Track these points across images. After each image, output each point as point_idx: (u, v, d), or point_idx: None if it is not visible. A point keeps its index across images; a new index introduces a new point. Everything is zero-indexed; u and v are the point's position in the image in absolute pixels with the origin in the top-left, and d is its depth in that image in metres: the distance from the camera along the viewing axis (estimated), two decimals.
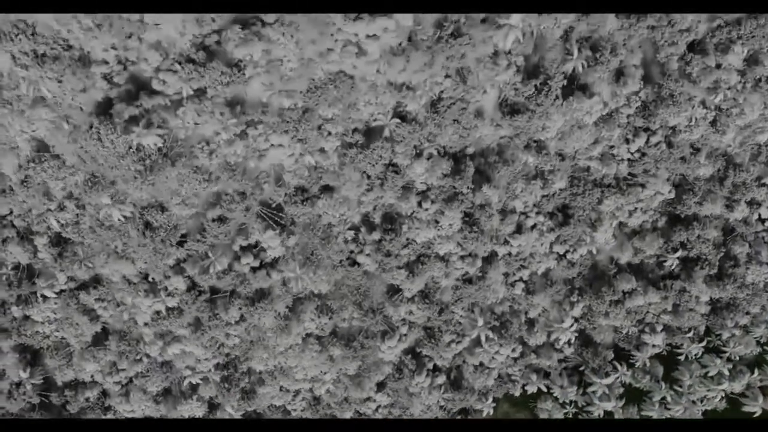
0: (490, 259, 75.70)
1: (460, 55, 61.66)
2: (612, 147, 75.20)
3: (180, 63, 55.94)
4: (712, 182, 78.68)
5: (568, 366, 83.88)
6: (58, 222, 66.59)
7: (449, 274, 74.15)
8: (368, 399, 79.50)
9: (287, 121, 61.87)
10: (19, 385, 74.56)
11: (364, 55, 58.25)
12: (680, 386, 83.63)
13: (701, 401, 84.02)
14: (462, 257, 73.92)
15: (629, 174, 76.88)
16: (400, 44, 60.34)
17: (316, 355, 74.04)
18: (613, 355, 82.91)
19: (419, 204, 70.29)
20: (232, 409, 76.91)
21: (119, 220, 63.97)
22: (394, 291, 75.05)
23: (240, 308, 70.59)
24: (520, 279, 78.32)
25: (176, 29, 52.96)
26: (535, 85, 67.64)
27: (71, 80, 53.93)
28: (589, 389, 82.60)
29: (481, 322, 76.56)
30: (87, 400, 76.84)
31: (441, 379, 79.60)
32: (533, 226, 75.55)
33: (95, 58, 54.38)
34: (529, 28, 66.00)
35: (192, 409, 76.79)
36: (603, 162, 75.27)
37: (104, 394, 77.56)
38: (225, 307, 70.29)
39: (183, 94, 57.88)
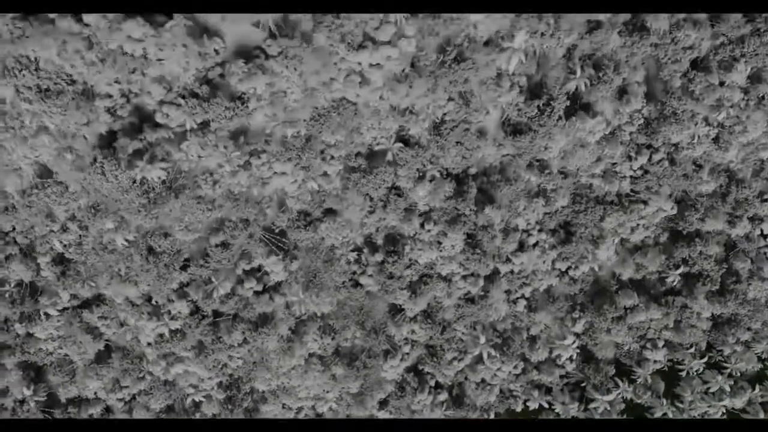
0: (492, 276, 75.77)
1: (463, 79, 61.47)
2: (614, 164, 75.08)
3: (184, 97, 55.99)
4: (715, 198, 78.64)
5: (569, 382, 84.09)
6: (61, 243, 66.58)
7: (451, 294, 74.23)
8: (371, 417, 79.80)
9: (290, 149, 61.96)
10: (23, 402, 74.72)
11: (367, 84, 58.07)
12: (681, 402, 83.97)
13: (702, 417, 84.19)
14: (464, 277, 73.99)
15: (631, 191, 76.83)
16: (403, 70, 60.17)
17: (318, 374, 74.27)
18: (614, 371, 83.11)
19: (422, 225, 70.27)
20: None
21: (122, 244, 63.99)
22: (396, 311, 75.17)
23: (243, 332, 70.74)
24: (522, 296, 78.41)
25: (179, 64, 52.87)
26: (538, 106, 67.49)
27: (75, 114, 53.82)
28: (591, 405, 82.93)
29: (483, 340, 76.72)
30: (90, 416, 77.04)
31: (443, 396, 79.85)
32: (535, 244, 75.54)
33: (99, 91, 54.39)
34: (531, 48, 65.81)
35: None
36: (605, 179, 75.19)
37: (107, 410, 77.77)
38: (228, 331, 70.46)
39: (186, 127, 57.95)
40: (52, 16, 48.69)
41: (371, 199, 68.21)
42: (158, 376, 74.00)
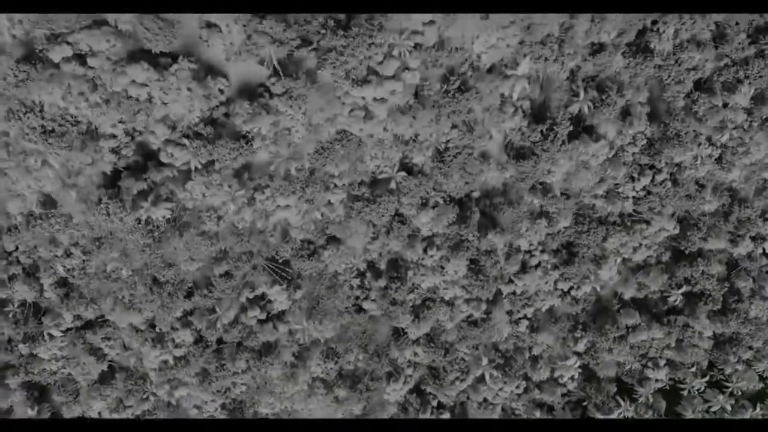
0: (494, 298, 75.76)
1: (467, 109, 61.28)
2: (617, 185, 74.96)
3: (188, 137, 55.97)
4: (717, 217, 78.56)
5: (571, 400, 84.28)
6: (65, 268, 66.56)
7: (454, 317, 74.29)
8: None
9: (294, 182, 62.01)
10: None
11: (371, 118, 57.91)
12: None
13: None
14: (467, 301, 73.98)
15: (634, 211, 76.77)
16: (407, 102, 59.98)
17: (322, 397, 74.45)
18: (616, 390, 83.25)
19: (425, 250, 70.26)
20: None
21: (127, 273, 63.90)
22: (399, 333, 75.28)
23: (247, 361, 70.86)
24: (525, 316, 78.45)
25: (184, 106, 52.66)
26: (542, 131, 67.35)
27: (79, 155, 53.63)
28: None
29: (485, 361, 76.88)
30: None
31: (445, 415, 79.99)
32: (538, 265, 75.53)
33: (103, 132, 54.32)
34: (535, 74, 65.68)
35: None
36: (608, 200, 75.10)
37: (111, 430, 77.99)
38: (232, 357, 70.57)
39: (191, 167, 57.93)
40: (56, 60, 48.52)
41: (374, 226, 68.18)
42: (162, 396, 74.17)
